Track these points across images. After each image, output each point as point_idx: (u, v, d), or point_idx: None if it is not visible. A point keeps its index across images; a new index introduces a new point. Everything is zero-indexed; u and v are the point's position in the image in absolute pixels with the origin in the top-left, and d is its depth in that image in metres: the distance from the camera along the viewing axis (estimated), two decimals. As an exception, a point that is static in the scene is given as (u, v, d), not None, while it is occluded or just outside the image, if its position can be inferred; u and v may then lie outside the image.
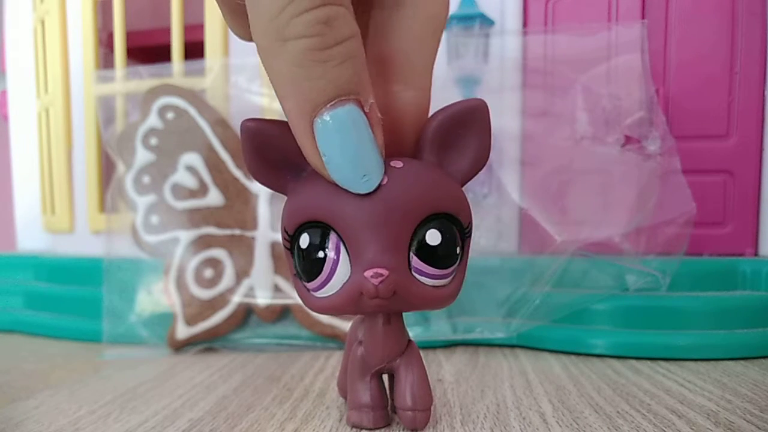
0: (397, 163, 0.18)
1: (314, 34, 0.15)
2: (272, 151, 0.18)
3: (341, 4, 0.15)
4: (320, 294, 0.18)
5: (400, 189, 0.17)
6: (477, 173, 0.19)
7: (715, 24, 0.39)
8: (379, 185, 0.17)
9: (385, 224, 0.17)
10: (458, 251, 0.18)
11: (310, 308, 0.19)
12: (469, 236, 0.19)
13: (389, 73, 0.18)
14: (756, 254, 0.40)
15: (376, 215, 0.17)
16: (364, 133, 0.16)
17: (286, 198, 0.19)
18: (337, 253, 0.18)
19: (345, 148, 0.16)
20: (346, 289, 0.18)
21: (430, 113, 0.19)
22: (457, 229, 0.18)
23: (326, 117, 0.16)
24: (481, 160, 0.19)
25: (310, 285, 0.18)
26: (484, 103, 0.18)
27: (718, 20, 0.39)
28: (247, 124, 0.18)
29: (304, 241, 0.18)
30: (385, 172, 0.17)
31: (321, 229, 0.18)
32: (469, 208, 0.19)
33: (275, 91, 0.16)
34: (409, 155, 0.19)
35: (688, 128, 0.40)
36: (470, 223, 0.19)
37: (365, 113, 0.16)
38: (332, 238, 0.18)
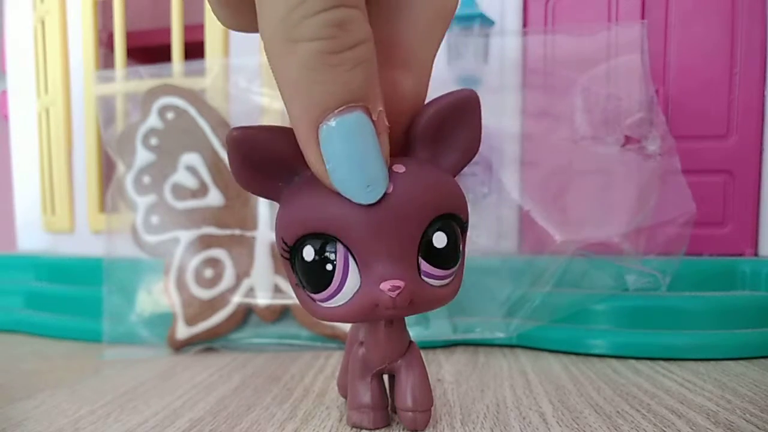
0: (400, 168, 0.17)
1: (326, 37, 0.14)
2: (261, 158, 0.17)
3: (355, 6, 0.15)
4: (328, 304, 0.18)
5: (407, 197, 0.17)
6: (467, 164, 0.19)
7: (715, 24, 0.39)
8: (384, 194, 0.16)
9: (395, 234, 0.17)
10: (460, 249, 0.18)
11: (317, 317, 0.18)
12: (467, 229, 0.19)
13: (391, 58, 0.17)
14: (756, 254, 0.40)
15: (384, 225, 0.16)
16: (371, 142, 0.16)
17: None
18: (346, 264, 0.17)
19: (350, 156, 0.16)
20: (359, 300, 0.17)
21: None
22: (458, 225, 0.18)
23: (333, 123, 0.15)
24: (471, 150, 0.19)
25: (317, 296, 0.18)
26: (475, 93, 0.18)
27: (718, 20, 0.39)
28: (232, 134, 0.17)
29: (309, 253, 0.17)
30: (389, 180, 0.17)
31: (325, 240, 0.17)
32: (466, 202, 0.19)
33: (281, 94, 0.16)
34: (401, 146, 0.18)
35: (688, 128, 0.40)
36: (468, 217, 0.19)
37: (373, 121, 0.16)
38: (339, 249, 0.17)
